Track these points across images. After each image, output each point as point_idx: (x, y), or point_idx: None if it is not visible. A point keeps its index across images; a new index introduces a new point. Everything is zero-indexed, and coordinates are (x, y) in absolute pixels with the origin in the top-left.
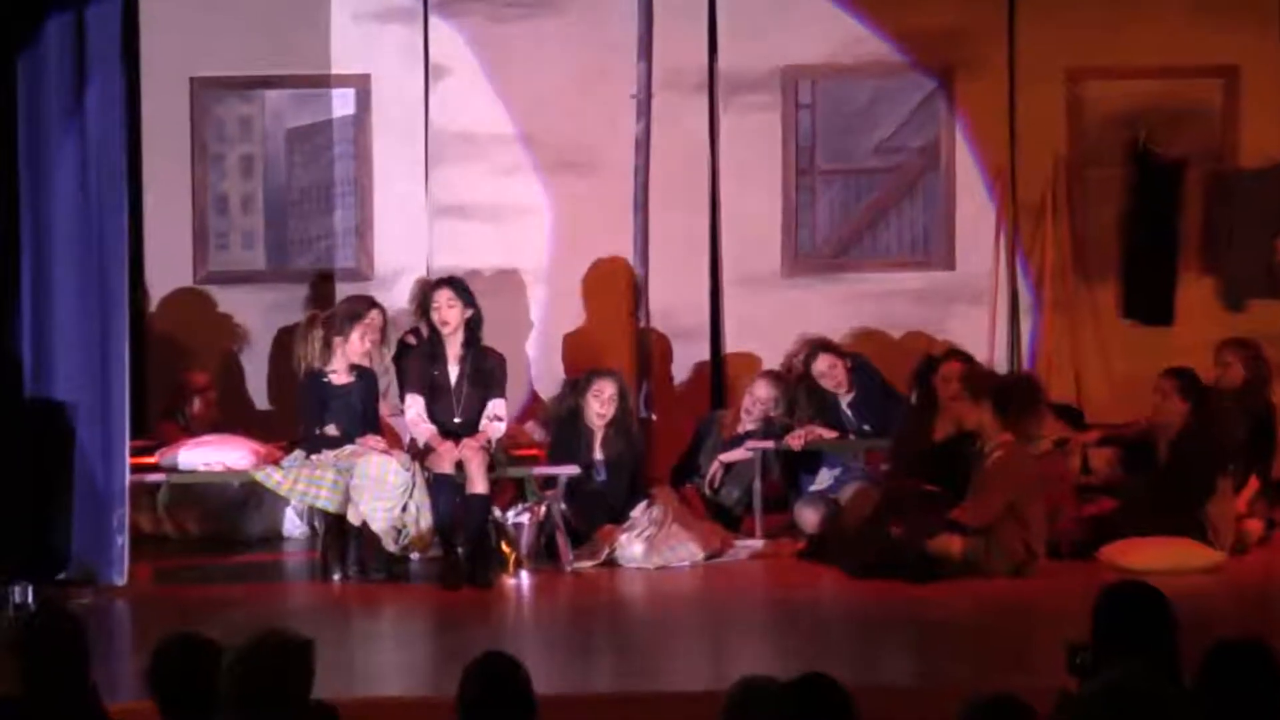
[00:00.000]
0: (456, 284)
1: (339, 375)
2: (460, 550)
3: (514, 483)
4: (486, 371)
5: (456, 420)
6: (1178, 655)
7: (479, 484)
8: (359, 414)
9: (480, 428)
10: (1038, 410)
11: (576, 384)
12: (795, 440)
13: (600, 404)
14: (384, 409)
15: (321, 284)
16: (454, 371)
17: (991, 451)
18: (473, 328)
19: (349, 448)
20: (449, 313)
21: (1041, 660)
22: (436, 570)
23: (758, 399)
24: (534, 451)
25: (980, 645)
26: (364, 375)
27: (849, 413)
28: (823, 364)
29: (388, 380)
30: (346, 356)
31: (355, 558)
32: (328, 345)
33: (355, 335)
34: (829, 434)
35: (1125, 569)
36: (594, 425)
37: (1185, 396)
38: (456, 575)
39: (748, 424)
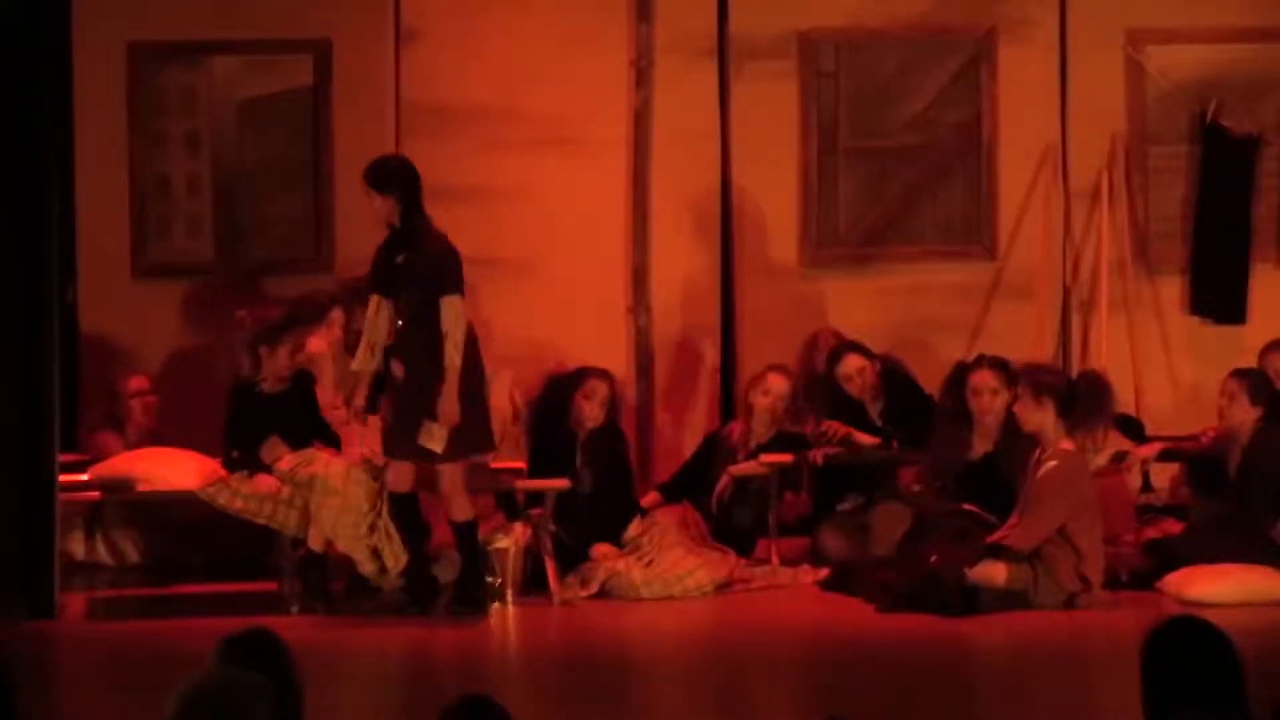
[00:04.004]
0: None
1: (270, 383)
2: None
3: (495, 498)
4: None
5: None
6: (1245, 707)
7: (460, 509)
8: (299, 425)
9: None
10: (1105, 413)
11: (565, 382)
12: (817, 454)
13: (591, 407)
14: (344, 414)
15: (277, 277)
16: None
17: (1046, 461)
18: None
19: (300, 454)
20: None
21: (1100, 708)
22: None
23: (774, 394)
24: (516, 464)
25: (1028, 690)
26: (300, 380)
27: (878, 423)
28: (850, 366)
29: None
30: (274, 370)
31: (319, 587)
32: (255, 355)
33: (284, 349)
34: (866, 439)
35: (1190, 601)
36: (580, 430)
37: (1255, 400)
38: (424, 594)
39: (760, 432)
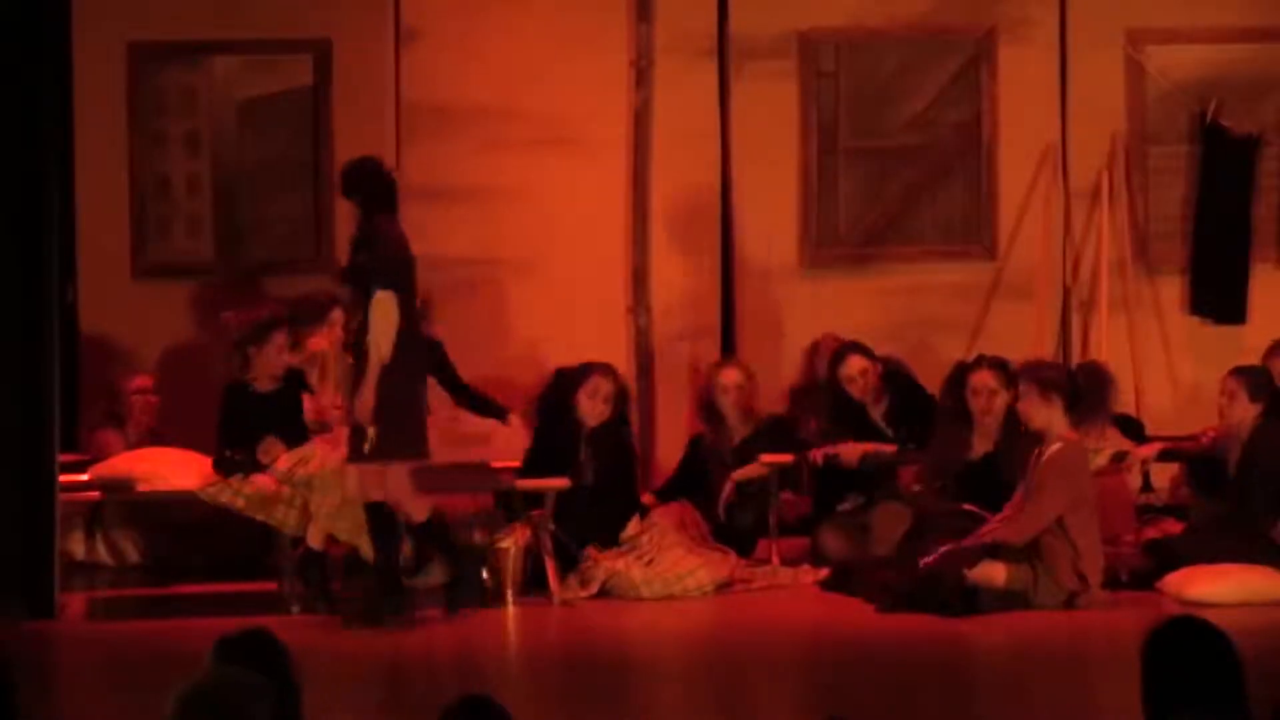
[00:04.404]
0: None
1: (262, 382)
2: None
3: (495, 498)
4: None
5: None
6: (1245, 707)
7: (414, 510)
8: (293, 424)
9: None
10: (1106, 403)
11: (570, 376)
12: (817, 453)
13: (595, 404)
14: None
15: (277, 277)
16: None
17: (1049, 448)
18: None
19: (297, 453)
20: None
21: (1100, 708)
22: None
23: (732, 388)
24: (514, 464)
25: (1028, 690)
26: (291, 378)
27: (881, 425)
28: (852, 367)
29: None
30: (264, 369)
31: (319, 586)
32: (243, 355)
33: (272, 348)
34: (860, 448)
35: (1190, 601)
36: (584, 426)
37: (1255, 396)
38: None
39: (740, 429)
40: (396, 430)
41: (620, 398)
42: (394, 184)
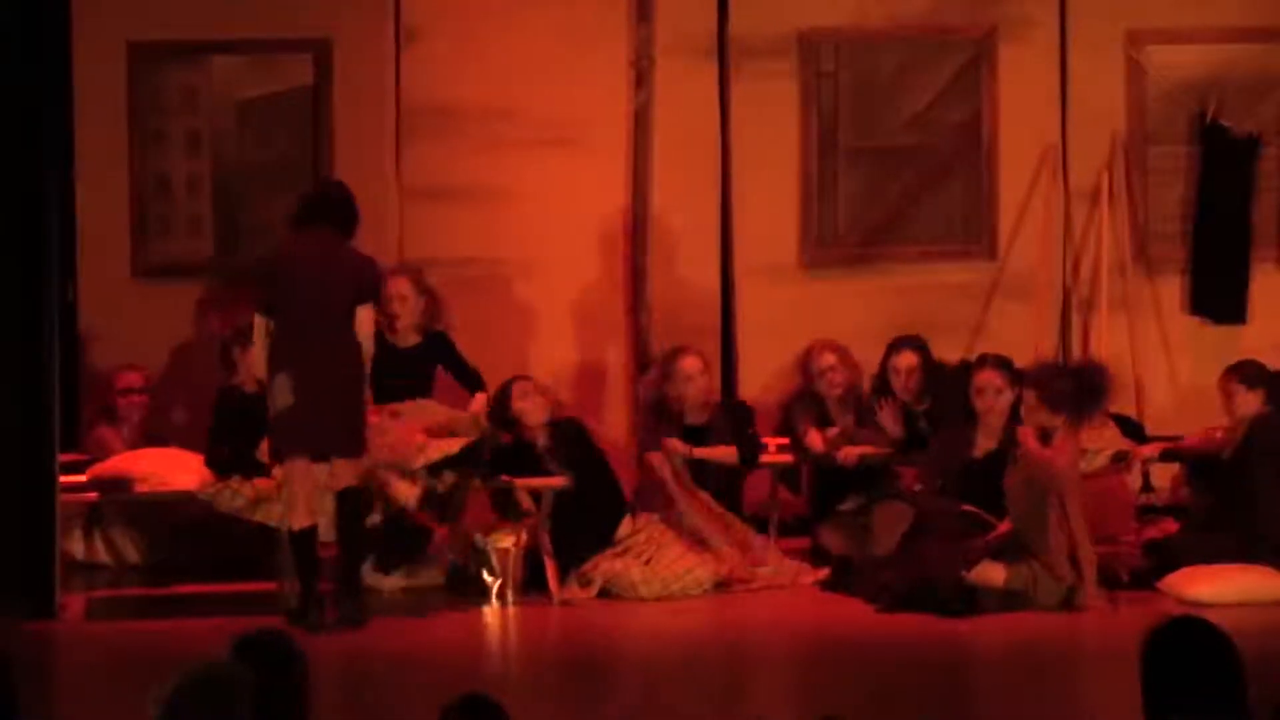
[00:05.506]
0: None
1: (250, 384)
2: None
3: (490, 498)
4: None
5: None
6: (1246, 707)
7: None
8: None
9: None
10: (1106, 396)
11: (504, 389)
12: (815, 440)
13: (526, 401)
14: None
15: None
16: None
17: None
18: None
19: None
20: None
21: (1100, 708)
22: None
23: (695, 377)
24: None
25: (1028, 690)
26: None
27: (919, 423)
28: (902, 360)
29: None
30: (249, 370)
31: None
32: (229, 357)
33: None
34: (857, 449)
35: (1190, 601)
36: (527, 431)
37: (1252, 385)
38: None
39: (694, 415)
40: (279, 434)
41: (551, 399)
42: (314, 202)
